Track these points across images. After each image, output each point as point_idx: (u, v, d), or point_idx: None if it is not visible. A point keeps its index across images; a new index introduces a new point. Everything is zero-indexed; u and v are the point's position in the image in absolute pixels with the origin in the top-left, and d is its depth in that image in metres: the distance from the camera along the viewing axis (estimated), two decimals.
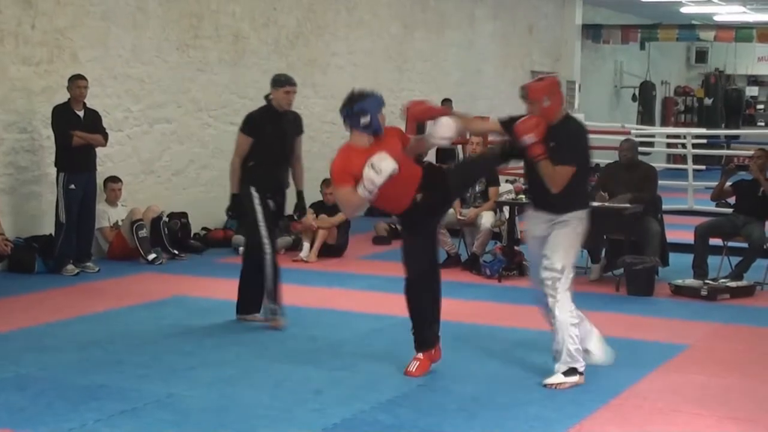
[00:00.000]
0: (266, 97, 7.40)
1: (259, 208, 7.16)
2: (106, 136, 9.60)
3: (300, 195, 7.61)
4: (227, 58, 11.90)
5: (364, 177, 5.63)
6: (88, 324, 7.35)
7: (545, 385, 5.82)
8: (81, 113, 9.41)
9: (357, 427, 5.12)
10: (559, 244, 5.90)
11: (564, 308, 5.86)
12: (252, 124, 7.34)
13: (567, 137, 5.90)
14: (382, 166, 5.64)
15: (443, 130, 5.93)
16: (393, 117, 6.25)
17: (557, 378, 5.84)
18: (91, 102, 9.59)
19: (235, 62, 12.02)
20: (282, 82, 7.36)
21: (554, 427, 5.15)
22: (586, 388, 5.85)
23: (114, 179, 10.22)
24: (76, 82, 9.38)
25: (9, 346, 6.62)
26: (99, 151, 9.67)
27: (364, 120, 5.82)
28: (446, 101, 14.21)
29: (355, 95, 5.89)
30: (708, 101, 25.23)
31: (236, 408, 5.37)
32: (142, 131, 10.86)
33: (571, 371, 5.85)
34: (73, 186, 9.32)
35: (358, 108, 5.83)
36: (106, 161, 10.23)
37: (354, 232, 11.49)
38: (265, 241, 7.16)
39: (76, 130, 9.29)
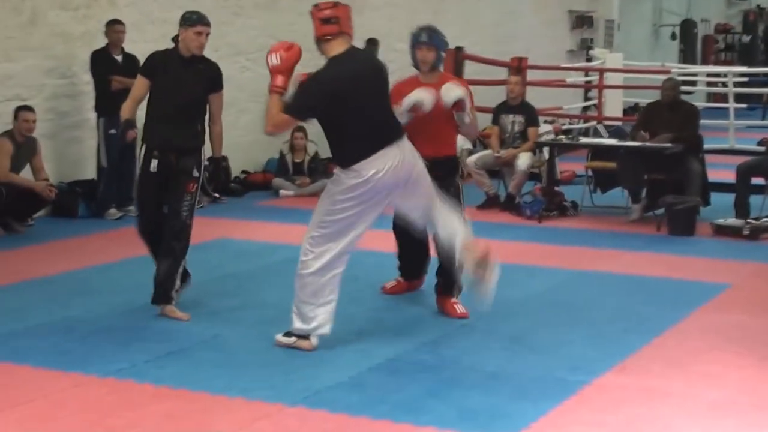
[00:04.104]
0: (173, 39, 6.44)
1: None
2: None
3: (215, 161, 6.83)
4: (262, 1, 11.84)
5: None
6: (132, 267, 7.41)
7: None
8: (119, 58, 9.44)
9: (400, 367, 5.17)
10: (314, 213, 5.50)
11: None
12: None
13: (309, 78, 5.22)
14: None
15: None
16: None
17: None
18: (129, 47, 9.60)
19: (270, 6, 11.96)
20: (193, 20, 6.31)
21: (598, 365, 5.17)
22: (629, 327, 5.87)
23: None
24: (113, 27, 9.40)
25: (55, 290, 6.73)
26: None
27: None
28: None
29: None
30: (746, 38, 24.82)
31: (280, 349, 5.42)
32: None
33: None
34: (113, 131, 9.36)
35: None
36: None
37: None
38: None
39: (115, 75, 9.32)
